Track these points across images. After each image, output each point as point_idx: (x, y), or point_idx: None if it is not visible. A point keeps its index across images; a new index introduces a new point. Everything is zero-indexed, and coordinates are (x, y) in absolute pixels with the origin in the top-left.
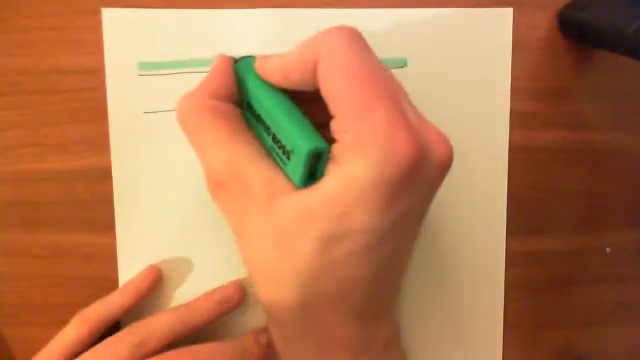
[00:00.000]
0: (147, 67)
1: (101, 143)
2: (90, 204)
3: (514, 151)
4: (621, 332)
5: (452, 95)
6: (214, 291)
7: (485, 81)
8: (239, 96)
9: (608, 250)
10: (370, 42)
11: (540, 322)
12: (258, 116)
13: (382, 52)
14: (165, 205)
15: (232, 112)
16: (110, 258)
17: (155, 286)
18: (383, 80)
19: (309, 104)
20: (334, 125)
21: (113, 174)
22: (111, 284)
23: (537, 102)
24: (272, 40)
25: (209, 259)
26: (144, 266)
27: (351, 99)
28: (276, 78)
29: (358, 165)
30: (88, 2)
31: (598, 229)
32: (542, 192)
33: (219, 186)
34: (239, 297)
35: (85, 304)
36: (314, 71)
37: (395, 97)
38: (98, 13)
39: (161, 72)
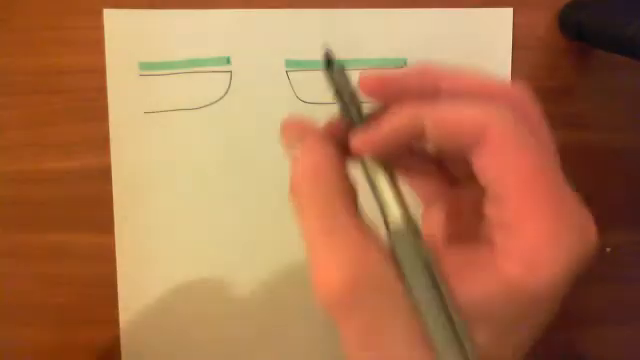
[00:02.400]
0: (148, 67)
1: (101, 143)
2: (90, 204)
3: None
4: (621, 332)
5: None
6: None
7: None
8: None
9: (608, 250)
10: (370, 42)
11: None
12: None
13: (382, 52)
14: (165, 205)
15: (347, 188)
16: (110, 258)
17: None
18: (555, 164)
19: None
20: (506, 211)
21: (113, 174)
22: (111, 284)
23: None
24: (272, 41)
25: (208, 258)
26: (143, 267)
27: (534, 187)
28: (405, 129)
29: (549, 254)
30: (89, 2)
31: (598, 229)
32: None
33: (346, 302)
34: None
35: (85, 304)
36: (469, 138)
37: (567, 187)
38: (99, 13)
39: (162, 72)
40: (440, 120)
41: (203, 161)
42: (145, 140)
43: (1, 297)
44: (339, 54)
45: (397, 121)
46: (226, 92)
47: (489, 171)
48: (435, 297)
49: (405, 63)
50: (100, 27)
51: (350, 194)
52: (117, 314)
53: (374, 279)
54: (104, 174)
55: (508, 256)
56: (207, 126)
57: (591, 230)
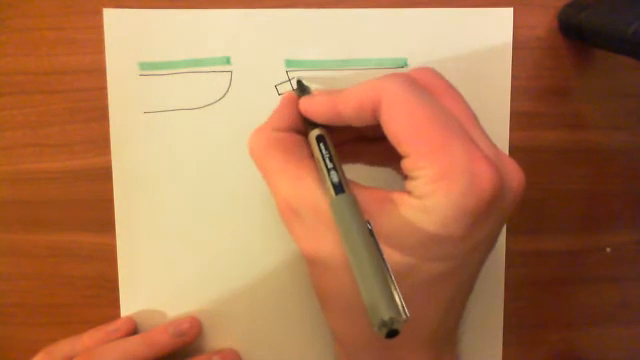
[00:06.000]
0: (148, 67)
1: (101, 143)
2: (90, 204)
3: (514, 151)
4: (621, 332)
5: None
6: (169, 325)
7: (485, 81)
8: (304, 127)
9: (608, 250)
10: (370, 42)
11: (540, 322)
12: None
13: (382, 52)
14: (165, 205)
15: (296, 142)
16: (110, 258)
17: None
18: (450, 118)
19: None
20: (408, 163)
21: (113, 174)
22: (111, 284)
23: (537, 102)
24: (272, 41)
25: (209, 258)
26: (144, 267)
27: (424, 138)
28: (326, 115)
29: (439, 198)
30: (88, 2)
31: (598, 229)
32: (542, 192)
33: (290, 213)
34: (194, 332)
35: (85, 304)
36: (372, 111)
37: (466, 132)
38: (99, 13)
39: (161, 72)
40: (346, 102)
41: (203, 161)
42: (145, 140)
43: (1, 297)
44: (339, 54)
45: (318, 108)
46: (226, 92)
47: (388, 131)
48: (363, 243)
49: (405, 63)
50: (100, 27)
51: (296, 152)
52: (118, 314)
53: (308, 200)
54: (104, 174)
55: (410, 198)
56: (207, 126)
57: (482, 175)
